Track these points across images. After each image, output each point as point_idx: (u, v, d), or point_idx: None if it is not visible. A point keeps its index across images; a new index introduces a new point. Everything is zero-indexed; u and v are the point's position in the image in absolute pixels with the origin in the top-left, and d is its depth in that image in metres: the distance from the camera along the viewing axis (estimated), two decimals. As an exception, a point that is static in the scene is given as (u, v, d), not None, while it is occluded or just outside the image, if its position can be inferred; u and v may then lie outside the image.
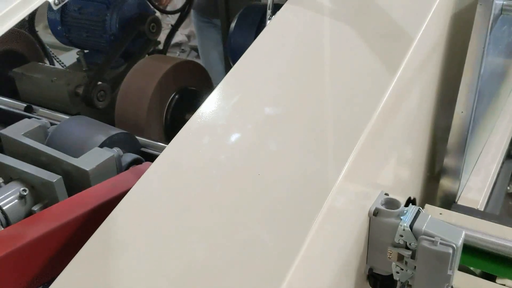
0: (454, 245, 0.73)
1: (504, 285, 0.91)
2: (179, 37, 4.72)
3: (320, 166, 0.70)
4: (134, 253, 0.64)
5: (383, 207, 0.79)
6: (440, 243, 0.73)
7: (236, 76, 0.88)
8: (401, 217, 0.78)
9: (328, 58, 0.86)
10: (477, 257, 0.95)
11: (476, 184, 1.21)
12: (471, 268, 0.98)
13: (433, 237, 0.74)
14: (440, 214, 1.05)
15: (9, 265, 0.88)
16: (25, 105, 1.54)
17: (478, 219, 1.02)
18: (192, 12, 2.39)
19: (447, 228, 0.76)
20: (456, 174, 1.11)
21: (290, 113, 0.80)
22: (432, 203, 1.15)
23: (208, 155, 0.76)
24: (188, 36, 4.63)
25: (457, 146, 1.08)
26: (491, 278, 0.94)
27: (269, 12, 1.00)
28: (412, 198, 1.08)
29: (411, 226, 0.76)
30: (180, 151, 0.79)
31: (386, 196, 0.81)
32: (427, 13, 0.85)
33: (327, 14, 0.90)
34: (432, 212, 1.05)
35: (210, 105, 0.83)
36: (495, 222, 0.99)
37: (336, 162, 0.69)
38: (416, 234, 0.76)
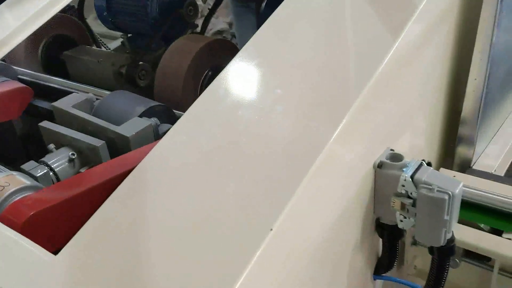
0: (450, 193, 0.79)
1: (510, 239, 0.96)
2: (221, 24, 4.84)
3: (319, 123, 0.77)
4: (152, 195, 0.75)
5: (387, 160, 0.87)
6: (437, 190, 0.80)
7: (253, 46, 0.97)
8: (403, 169, 0.85)
9: (333, 25, 0.93)
10: (485, 214, 1.01)
11: (493, 151, 1.25)
12: (481, 226, 1.03)
13: (431, 185, 0.80)
14: (454, 176, 1.11)
15: (59, 213, 1.01)
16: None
17: (489, 181, 1.07)
18: (229, -3, 2.49)
19: (445, 178, 0.83)
20: (470, 140, 1.16)
21: (297, 74, 0.88)
22: (450, 169, 1.20)
23: (217, 115, 0.85)
24: (230, 24, 4.74)
25: (471, 113, 1.13)
26: (498, 233, 0.99)
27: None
28: (427, 161, 1.14)
29: (412, 177, 0.83)
30: (199, 112, 0.88)
31: (391, 151, 0.89)
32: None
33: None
34: (446, 174, 1.11)
35: (225, 75, 0.92)
36: (505, 184, 1.04)
37: (334, 118, 0.76)
38: (416, 184, 0.83)
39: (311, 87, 0.84)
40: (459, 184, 0.82)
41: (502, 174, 1.26)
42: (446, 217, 0.80)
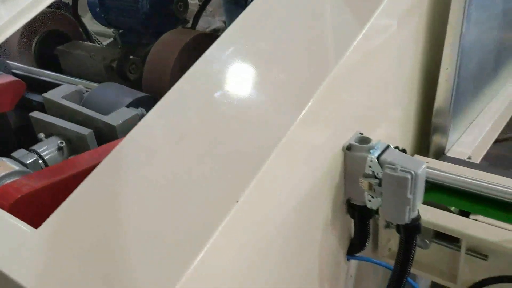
0: (412, 172, 0.83)
1: (476, 220, 1.01)
2: (217, 23, 4.90)
3: (287, 106, 0.82)
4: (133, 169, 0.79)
5: (355, 143, 0.91)
6: (400, 170, 0.84)
7: (229, 35, 1.02)
8: (371, 151, 0.89)
9: (304, 14, 0.98)
10: (453, 196, 1.05)
11: (467, 140, 1.29)
12: (452, 209, 1.08)
13: (395, 165, 0.85)
14: (427, 162, 1.15)
15: (45, 196, 1.05)
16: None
17: (460, 166, 1.11)
18: (220, -6, 2.54)
19: (409, 159, 0.87)
20: (444, 128, 1.20)
21: (269, 60, 0.93)
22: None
23: (194, 98, 0.90)
24: (225, 22, 4.79)
25: (444, 101, 1.17)
26: (465, 215, 1.03)
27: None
28: (401, 148, 1.18)
29: (378, 158, 0.88)
30: (176, 96, 0.92)
31: (360, 135, 0.93)
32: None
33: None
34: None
35: (202, 61, 0.97)
36: (473, 169, 1.09)
37: (299, 103, 0.81)
38: (382, 165, 0.87)
39: (281, 73, 0.88)
40: (422, 164, 0.86)
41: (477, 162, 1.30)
42: (409, 196, 0.85)
